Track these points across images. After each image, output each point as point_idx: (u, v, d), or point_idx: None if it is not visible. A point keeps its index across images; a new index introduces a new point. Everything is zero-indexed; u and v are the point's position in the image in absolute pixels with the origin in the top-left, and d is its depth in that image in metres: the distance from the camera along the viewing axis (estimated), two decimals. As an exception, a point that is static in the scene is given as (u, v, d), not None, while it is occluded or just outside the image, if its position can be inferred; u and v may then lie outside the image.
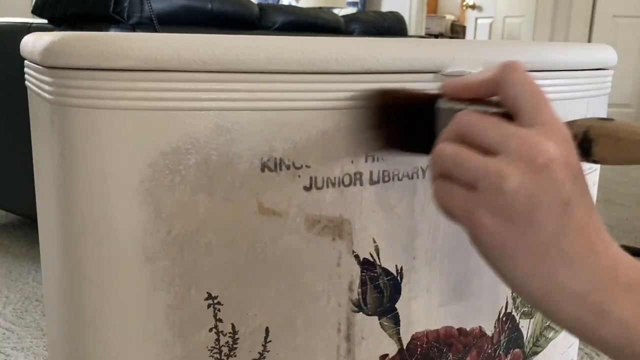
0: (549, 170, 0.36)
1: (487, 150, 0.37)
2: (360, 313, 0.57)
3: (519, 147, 0.36)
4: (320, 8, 2.98)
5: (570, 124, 0.43)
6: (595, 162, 0.44)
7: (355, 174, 0.53)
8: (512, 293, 0.67)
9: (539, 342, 0.72)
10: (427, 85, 0.55)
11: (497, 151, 0.37)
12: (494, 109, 0.40)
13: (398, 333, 0.59)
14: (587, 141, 0.43)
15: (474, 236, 0.38)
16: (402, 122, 0.48)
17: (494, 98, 0.40)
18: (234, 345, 0.52)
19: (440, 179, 0.40)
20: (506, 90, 0.38)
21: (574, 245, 0.36)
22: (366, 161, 0.54)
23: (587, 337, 0.37)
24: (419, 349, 0.61)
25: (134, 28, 1.50)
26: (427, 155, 0.43)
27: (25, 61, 0.59)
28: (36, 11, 1.59)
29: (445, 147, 0.39)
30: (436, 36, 5.24)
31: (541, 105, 0.38)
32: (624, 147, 0.42)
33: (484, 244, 0.38)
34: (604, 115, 0.73)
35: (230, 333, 0.52)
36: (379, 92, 0.50)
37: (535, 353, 0.72)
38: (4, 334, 1.28)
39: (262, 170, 0.50)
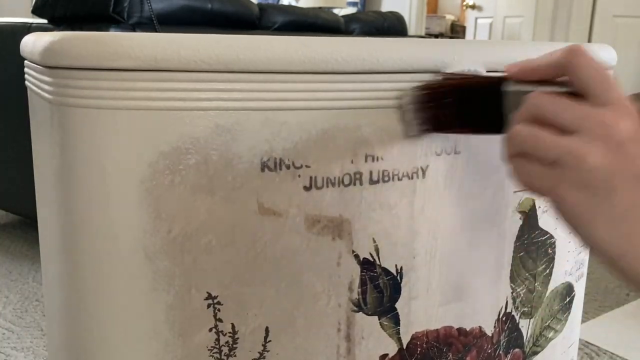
0: (624, 147, 0.40)
1: (563, 130, 0.41)
2: (360, 313, 0.57)
3: (595, 126, 0.40)
4: (320, 8, 2.98)
5: (635, 98, 0.46)
6: None
7: (355, 173, 0.53)
8: (511, 293, 0.67)
9: (539, 342, 0.72)
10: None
11: (574, 130, 0.40)
12: (562, 89, 0.42)
13: (398, 333, 0.59)
14: None
15: (558, 207, 0.42)
16: (467, 104, 0.50)
17: (560, 79, 0.43)
18: (234, 345, 0.52)
19: (517, 157, 0.44)
20: (576, 73, 0.41)
21: None
22: (366, 161, 0.54)
23: None
24: (418, 349, 0.61)
25: (134, 28, 1.50)
26: (494, 134, 0.47)
27: (25, 61, 0.59)
28: (36, 11, 1.59)
29: (521, 129, 0.43)
30: (436, 36, 5.24)
31: (610, 86, 0.41)
32: None
33: (566, 213, 0.42)
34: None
35: (230, 333, 0.52)
36: (445, 76, 0.53)
37: (535, 353, 0.72)
38: (4, 334, 1.28)
39: (262, 170, 0.50)
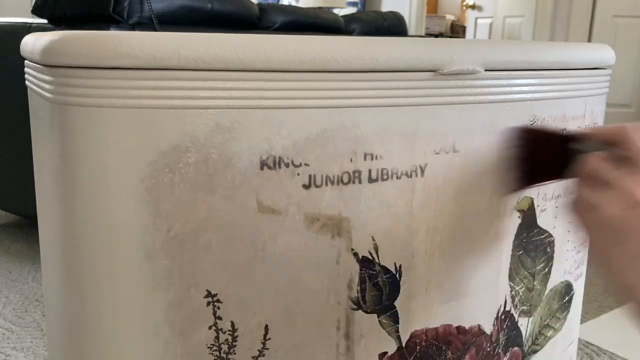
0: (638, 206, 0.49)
1: (604, 185, 0.52)
2: (360, 311, 0.57)
3: (624, 186, 0.50)
4: (320, 8, 2.98)
5: None
6: None
7: (354, 172, 0.54)
8: (510, 291, 0.67)
9: (538, 340, 0.72)
10: (426, 83, 0.55)
11: (611, 186, 0.51)
12: (611, 153, 0.54)
13: (397, 331, 0.59)
14: None
15: (588, 240, 0.54)
16: (543, 156, 0.62)
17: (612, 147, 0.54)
18: (234, 343, 0.52)
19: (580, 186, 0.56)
20: (629, 145, 0.52)
21: None
22: (365, 159, 0.54)
23: None
24: (417, 347, 0.61)
25: (133, 28, 1.50)
26: (554, 180, 0.63)
27: (25, 61, 0.59)
28: (36, 11, 1.59)
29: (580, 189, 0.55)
30: (436, 36, 5.24)
31: None
32: None
33: (592, 246, 0.53)
34: (602, 113, 0.73)
35: (229, 331, 0.52)
36: (528, 131, 0.63)
37: (534, 351, 0.72)
38: (3, 334, 1.29)
39: (262, 168, 0.50)
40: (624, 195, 0.50)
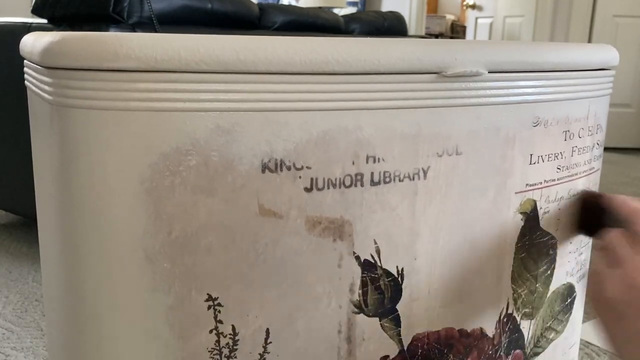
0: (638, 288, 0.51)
1: (616, 261, 0.55)
2: (361, 314, 0.56)
3: (628, 267, 0.53)
4: (320, 8, 2.97)
5: None
6: None
7: (356, 174, 0.53)
8: (512, 294, 0.67)
9: (540, 343, 0.72)
10: (429, 85, 0.55)
11: (620, 265, 0.54)
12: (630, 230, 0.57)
13: (399, 334, 0.59)
14: None
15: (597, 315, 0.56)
16: (592, 214, 0.69)
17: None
18: (235, 347, 0.52)
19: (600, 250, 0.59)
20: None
21: None
22: (367, 162, 0.54)
23: None
24: (420, 350, 0.61)
25: (133, 28, 1.50)
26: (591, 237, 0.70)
27: (25, 61, 0.59)
28: (36, 11, 1.59)
29: (595, 263, 0.58)
30: (436, 36, 5.24)
31: None
32: None
33: (600, 325, 0.55)
34: (606, 115, 0.73)
35: (230, 334, 0.51)
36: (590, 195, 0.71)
37: (536, 354, 0.72)
38: (3, 334, 1.28)
39: (263, 171, 0.50)
40: (627, 275, 0.52)
